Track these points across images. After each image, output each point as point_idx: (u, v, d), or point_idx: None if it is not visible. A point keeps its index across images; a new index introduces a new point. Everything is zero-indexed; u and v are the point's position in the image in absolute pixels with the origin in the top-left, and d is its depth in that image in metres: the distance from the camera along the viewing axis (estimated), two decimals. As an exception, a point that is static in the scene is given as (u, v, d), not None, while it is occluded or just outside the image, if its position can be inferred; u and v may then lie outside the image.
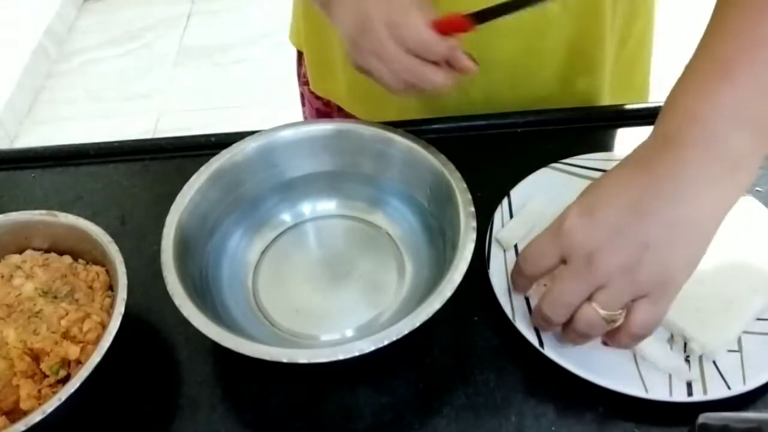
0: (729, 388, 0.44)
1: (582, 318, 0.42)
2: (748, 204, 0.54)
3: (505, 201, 0.56)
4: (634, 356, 0.47)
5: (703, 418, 0.40)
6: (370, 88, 0.52)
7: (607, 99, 0.69)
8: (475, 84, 0.62)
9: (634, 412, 0.45)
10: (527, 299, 0.50)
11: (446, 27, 0.48)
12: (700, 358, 0.46)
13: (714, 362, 0.46)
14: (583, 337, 0.44)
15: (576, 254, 0.42)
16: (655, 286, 0.41)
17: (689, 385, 0.45)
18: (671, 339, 0.48)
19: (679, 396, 0.44)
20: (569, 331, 0.44)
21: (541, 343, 0.47)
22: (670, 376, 0.45)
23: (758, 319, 0.48)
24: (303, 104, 0.83)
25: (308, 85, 0.77)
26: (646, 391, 0.44)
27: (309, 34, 0.72)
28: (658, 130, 0.43)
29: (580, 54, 0.64)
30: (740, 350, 0.46)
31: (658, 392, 0.45)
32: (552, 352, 0.46)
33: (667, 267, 0.40)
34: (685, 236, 0.40)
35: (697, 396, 0.44)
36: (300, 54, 0.79)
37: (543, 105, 0.66)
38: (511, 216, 0.55)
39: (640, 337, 0.43)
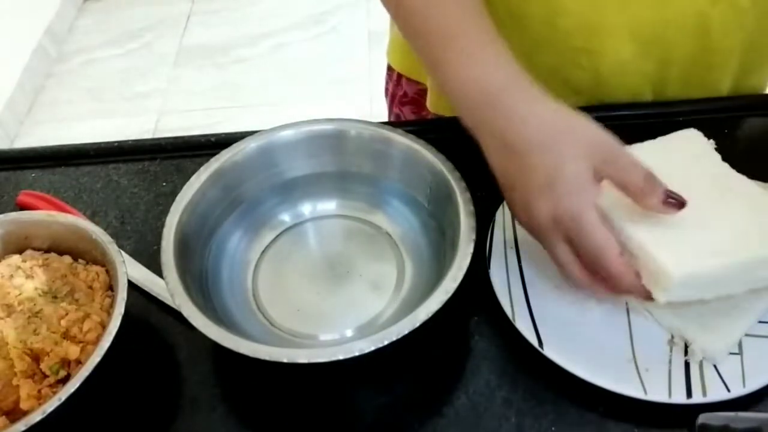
0: (728, 390, 0.44)
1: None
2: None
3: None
4: (634, 357, 0.47)
5: (703, 418, 0.40)
6: None
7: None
8: (647, 79, 0.62)
9: (634, 413, 0.45)
10: (527, 299, 0.50)
11: None
12: (701, 360, 0.46)
13: (714, 365, 0.46)
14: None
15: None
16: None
17: (688, 387, 0.45)
18: (672, 341, 0.48)
19: (678, 398, 0.44)
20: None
21: (540, 343, 0.47)
22: (669, 378, 0.45)
23: (760, 321, 0.48)
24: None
25: (410, 105, 0.77)
26: (645, 392, 0.44)
27: None
28: None
29: (757, 50, 0.64)
30: (741, 353, 0.46)
31: (657, 394, 0.45)
32: (552, 352, 0.46)
33: None
34: None
35: (696, 398, 0.44)
36: (399, 77, 0.78)
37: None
38: (513, 217, 0.55)
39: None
